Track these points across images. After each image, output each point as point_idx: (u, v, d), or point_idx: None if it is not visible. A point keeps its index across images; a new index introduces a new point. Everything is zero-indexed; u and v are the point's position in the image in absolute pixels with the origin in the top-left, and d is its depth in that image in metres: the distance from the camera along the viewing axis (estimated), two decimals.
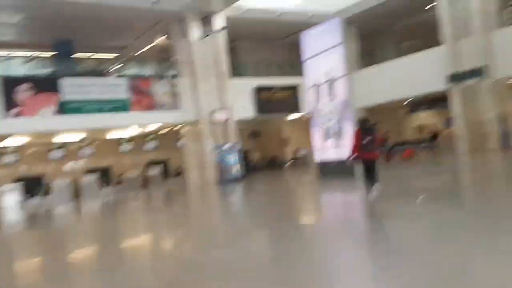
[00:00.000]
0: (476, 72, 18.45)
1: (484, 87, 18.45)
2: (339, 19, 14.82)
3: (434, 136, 25.32)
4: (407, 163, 18.40)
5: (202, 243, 7.05)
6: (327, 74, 15.31)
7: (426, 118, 28.00)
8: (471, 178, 12.17)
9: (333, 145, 15.37)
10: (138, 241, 8.24)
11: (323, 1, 21.89)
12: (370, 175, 8.59)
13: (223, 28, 20.69)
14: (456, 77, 19.27)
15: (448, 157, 19.23)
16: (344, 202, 10.50)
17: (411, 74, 21.47)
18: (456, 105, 19.57)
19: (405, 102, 26.66)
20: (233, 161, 19.88)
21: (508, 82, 19.01)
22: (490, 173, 12.40)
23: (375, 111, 25.08)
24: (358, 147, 8.44)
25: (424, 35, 22.52)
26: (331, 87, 15.22)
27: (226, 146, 20.13)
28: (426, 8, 22.91)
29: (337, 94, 14.98)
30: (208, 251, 6.25)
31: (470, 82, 18.93)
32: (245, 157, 23.54)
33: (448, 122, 23.19)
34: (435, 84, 20.30)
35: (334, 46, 14.87)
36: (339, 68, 14.82)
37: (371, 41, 26.21)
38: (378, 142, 9.02)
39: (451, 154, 19.55)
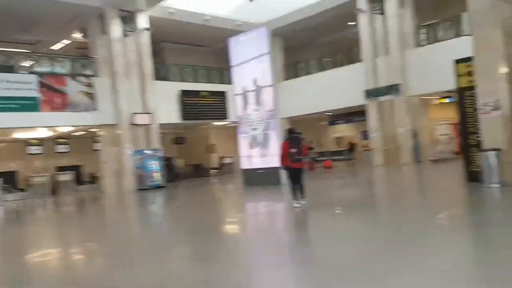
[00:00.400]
0: (391, 89, 19.42)
1: (399, 103, 19.46)
2: (267, 29, 14.66)
3: (351, 148, 26.34)
4: (326, 173, 18.75)
5: (110, 262, 6.19)
6: (254, 82, 15.05)
7: (344, 130, 29.06)
8: (385, 190, 12.53)
9: (259, 154, 15.11)
10: (34, 258, 7.10)
11: (251, 11, 21.77)
12: (297, 185, 8.58)
13: (147, 29, 19.63)
14: (373, 93, 20.14)
15: (364, 169, 19.95)
16: (269, 212, 10.18)
17: (332, 88, 22.07)
18: (372, 119, 20.43)
19: (326, 114, 27.48)
20: (155, 168, 18.81)
21: (425, 98, 20.29)
22: (401, 185, 12.91)
23: (298, 122, 25.45)
24: (285, 157, 8.43)
25: (346, 51, 23.35)
26: (258, 96, 14.98)
27: (148, 152, 19.02)
28: (348, 24, 23.86)
29: (264, 103, 14.77)
30: (117, 272, 5.45)
31: (386, 98, 19.88)
32: (168, 164, 22.52)
33: (365, 135, 24.22)
34: (354, 98, 21.05)
35: (261, 55, 14.66)
36: (266, 78, 14.62)
37: (296, 54, 26.70)
38: (305, 152, 8.96)
39: (367, 166, 20.33)
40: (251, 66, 15.07)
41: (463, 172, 10.33)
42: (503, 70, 9.07)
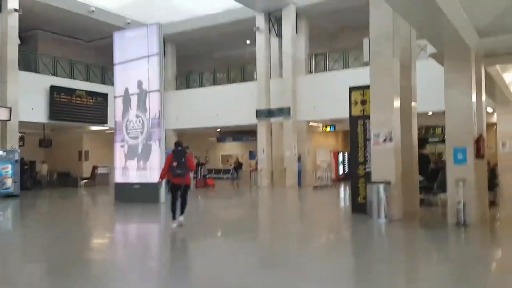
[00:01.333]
0: (282, 111, 19.13)
1: (288, 126, 19.23)
2: (158, 27, 13.03)
3: (238, 167, 25.62)
4: (209, 192, 17.47)
5: None
6: (139, 85, 13.21)
7: (233, 148, 28.32)
8: (268, 214, 11.69)
9: (136, 166, 13.18)
10: None
11: (144, 11, 19.87)
12: (177, 202, 7.93)
13: (15, 10, 16.47)
14: (264, 113, 19.66)
15: (249, 190, 19.17)
16: (139, 235, 8.46)
17: (224, 104, 21.13)
18: (261, 140, 19.89)
19: (216, 131, 26.46)
20: (7, 172, 15.48)
21: (311, 124, 20.39)
22: (285, 211, 12.25)
23: (185, 135, 23.91)
24: (167, 170, 7.91)
25: (241, 68, 22.72)
26: (143, 100, 13.15)
27: (0, 153, 15.63)
28: (247, 42, 23.37)
29: (148, 110, 13.00)
30: None
31: (276, 119, 19.55)
32: (28, 169, 19.08)
33: (252, 155, 23.69)
34: (245, 117, 20.36)
35: (150, 56, 12.95)
36: (153, 81, 12.90)
37: (189, 64, 25.33)
38: (191, 167, 8.19)
39: (252, 187, 19.62)
40: (137, 66, 13.23)
41: (350, 202, 9.93)
42: (398, 101, 8.88)
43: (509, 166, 13.73)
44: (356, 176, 9.67)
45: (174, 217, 7.91)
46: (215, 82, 23.37)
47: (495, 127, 19.71)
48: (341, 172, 24.25)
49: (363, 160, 9.56)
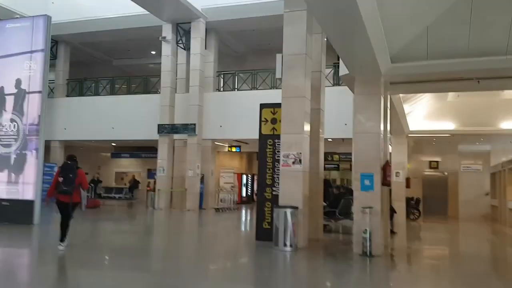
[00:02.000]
0: (187, 128, 18.13)
1: (192, 145, 18.24)
2: (45, 20, 11.32)
3: (134, 186, 23.76)
4: (95, 213, 15.60)
5: None
6: (17, 84, 11.26)
7: (130, 165, 26.29)
8: (160, 239, 10.53)
9: (6, 179, 11.08)
10: None
11: (37, 6, 17.58)
12: (64, 221, 7.34)
13: None
14: (167, 129, 18.47)
15: (144, 212, 17.63)
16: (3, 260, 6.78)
17: (122, 116, 19.47)
18: (162, 157, 18.57)
19: (111, 145, 24.36)
20: None
21: (216, 143, 19.62)
22: (180, 235, 11.22)
23: (75, 148, 21.54)
24: (53, 187, 7.32)
25: (144, 79, 21.30)
26: (20, 102, 11.21)
27: None
28: (152, 53, 22.11)
29: (26, 114, 11.09)
30: None
31: (180, 136, 18.47)
32: None
33: (151, 173, 22.13)
34: (145, 131, 18.94)
35: (32, 52, 11.15)
36: (35, 81, 11.08)
37: (85, 70, 23.18)
38: (82, 184, 7.49)
39: (149, 208, 18.11)
40: (17, 62, 11.31)
41: (255, 227, 9.26)
42: (308, 123, 8.56)
43: (400, 196, 14.41)
44: (263, 199, 9.07)
45: (61, 239, 7.25)
46: (113, 92, 21.56)
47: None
48: (244, 194, 23.85)
49: (271, 182, 9.01)
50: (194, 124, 17.95)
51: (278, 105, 8.95)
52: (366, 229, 7.47)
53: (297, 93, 8.37)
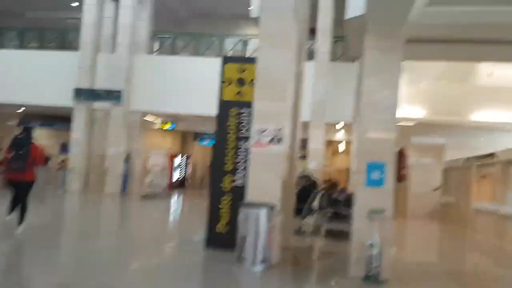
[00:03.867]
0: (110, 95, 14.60)
1: (116, 116, 14.78)
2: None
3: (44, 161, 19.46)
4: None
5: None
6: None
7: (40, 137, 21.67)
8: (57, 240, 7.34)
9: None
10: None
11: None
12: (16, 201, 6.34)
13: None
14: (86, 95, 14.77)
15: (50, 195, 13.82)
16: None
17: (32, 75, 15.35)
18: (78, 129, 14.85)
19: (19, 110, 19.67)
20: None
21: (146, 119, 16.27)
22: (88, 234, 8.09)
23: None
24: (5, 163, 6.54)
25: (60, 33, 17.15)
26: None
27: None
28: (72, 5, 17.94)
29: None
30: None
31: (102, 104, 14.88)
32: None
33: (64, 148, 18.11)
34: (59, 96, 15.05)
35: None
36: None
37: None
38: (36, 160, 6.35)
39: (58, 191, 14.36)
40: None
41: (203, 229, 6.47)
42: (292, 88, 5.93)
43: None
44: (218, 191, 6.29)
45: (9, 212, 6.36)
46: (22, 46, 17.16)
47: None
48: (175, 178, 20.82)
49: (232, 168, 6.27)
50: (120, 91, 14.47)
51: (249, 60, 6.20)
52: (372, 243, 5.09)
53: (282, 41, 5.67)
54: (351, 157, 14.42)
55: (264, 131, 5.63)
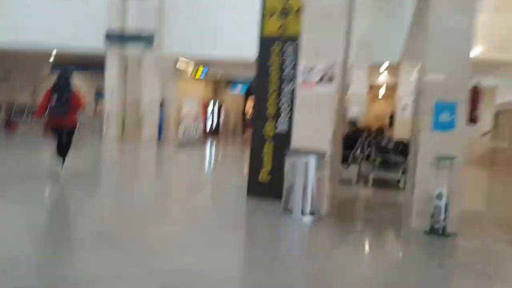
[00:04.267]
0: (143, 38, 13.95)
1: (149, 61, 14.22)
2: None
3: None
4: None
5: None
6: None
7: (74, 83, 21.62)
8: (98, 184, 7.11)
9: None
10: None
11: None
12: (60, 147, 6.33)
13: None
14: (116, 38, 14.16)
15: (89, 142, 13.74)
16: None
17: (62, 18, 14.74)
18: (111, 75, 14.43)
19: (52, 56, 19.43)
20: None
21: (179, 63, 15.60)
22: (130, 181, 7.82)
23: (7, 57, 16.84)
24: (43, 108, 6.20)
25: None
26: None
27: None
28: None
29: None
30: None
31: (134, 48, 14.29)
32: None
33: (100, 94, 17.94)
34: (90, 39, 14.49)
35: None
36: None
37: None
38: (77, 105, 6.27)
39: (95, 138, 14.29)
40: None
41: (244, 177, 6.01)
42: (346, 18, 5.07)
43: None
44: (260, 137, 5.73)
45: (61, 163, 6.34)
46: None
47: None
48: (209, 126, 20.51)
49: (274, 113, 5.63)
50: (152, 34, 13.78)
51: None
52: (440, 193, 4.44)
53: None
54: (395, 102, 13.36)
55: (314, 68, 4.89)
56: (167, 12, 14.16)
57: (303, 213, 4.71)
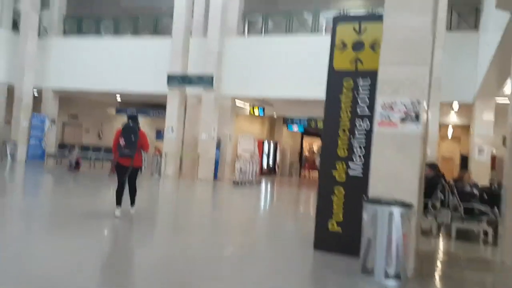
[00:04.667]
0: (201, 80, 14.10)
1: (208, 101, 14.27)
2: None
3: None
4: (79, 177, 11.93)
5: None
6: None
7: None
8: (148, 230, 6.70)
9: None
10: None
11: None
12: (125, 187, 6.44)
13: None
14: (178, 80, 14.45)
15: (147, 179, 13.80)
16: None
17: (127, 63, 15.52)
18: (171, 115, 14.63)
19: (117, 99, 20.40)
20: None
21: (237, 104, 15.59)
22: (184, 222, 7.36)
23: (72, 99, 17.80)
24: (115, 149, 6.43)
25: (155, 20, 17.11)
26: None
27: None
28: None
29: None
30: None
31: (194, 89, 14.47)
32: None
33: (159, 134, 18.32)
34: (153, 83, 15.01)
35: None
36: None
37: (87, 7, 18.98)
38: (144, 147, 6.48)
39: (153, 176, 14.34)
40: None
41: (310, 227, 5.33)
42: (432, 49, 4.46)
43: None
44: (329, 181, 5.08)
45: (118, 203, 6.37)
46: (117, 32, 17.48)
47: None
48: (265, 165, 20.07)
49: (347, 154, 5.00)
50: (212, 76, 13.89)
51: (370, 18, 4.83)
52: None
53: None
54: (469, 144, 12.16)
55: (394, 104, 4.26)
56: (226, 55, 14.33)
57: (386, 275, 3.93)
